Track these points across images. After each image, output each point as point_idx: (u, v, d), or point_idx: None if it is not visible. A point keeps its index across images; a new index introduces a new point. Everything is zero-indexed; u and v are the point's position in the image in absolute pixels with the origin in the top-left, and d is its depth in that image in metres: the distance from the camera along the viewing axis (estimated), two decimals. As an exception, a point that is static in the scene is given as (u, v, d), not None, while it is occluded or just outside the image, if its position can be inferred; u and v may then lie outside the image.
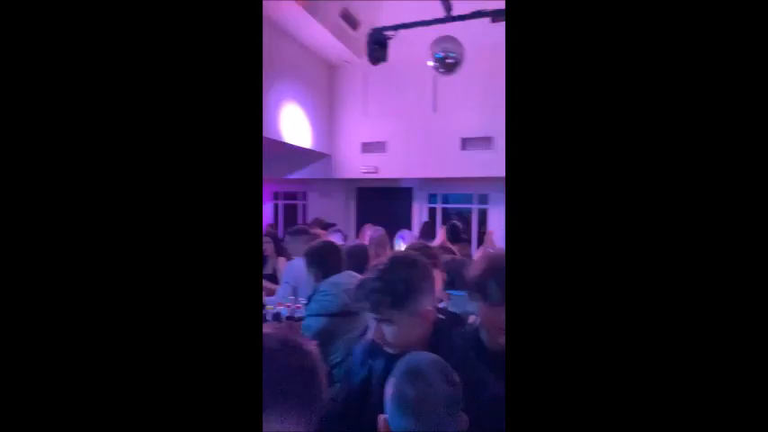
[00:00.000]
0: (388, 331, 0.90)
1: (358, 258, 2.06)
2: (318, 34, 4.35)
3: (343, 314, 1.70)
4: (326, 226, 4.12)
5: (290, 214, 6.56)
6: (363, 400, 0.94)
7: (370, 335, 0.97)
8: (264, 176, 6.28)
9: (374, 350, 0.97)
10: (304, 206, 6.45)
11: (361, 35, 3.74)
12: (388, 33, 3.37)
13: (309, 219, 5.70)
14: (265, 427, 0.49)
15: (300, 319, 2.06)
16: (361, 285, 0.94)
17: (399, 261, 0.96)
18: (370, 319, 0.94)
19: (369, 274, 0.95)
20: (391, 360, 0.85)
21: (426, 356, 0.77)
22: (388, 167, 5.42)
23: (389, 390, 0.73)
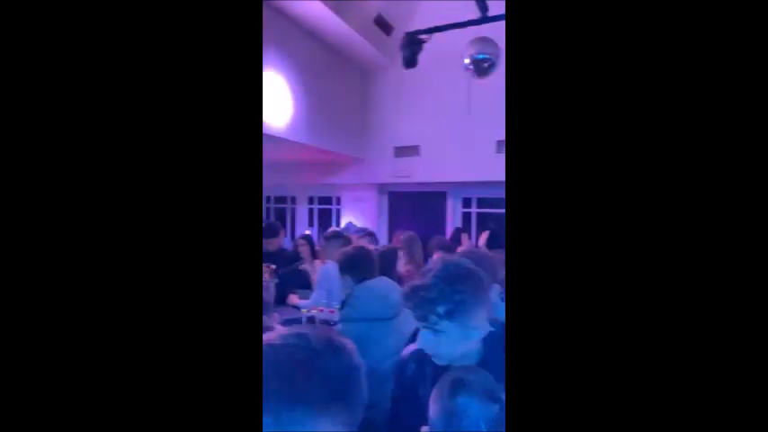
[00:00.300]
0: (438, 341, 0.87)
1: (387, 261, 2.04)
2: (351, 39, 4.40)
3: (379, 320, 1.68)
4: (359, 231, 4.13)
5: (325, 219, 6.65)
6: (407, 409, 0.91)
7: (418, 344, 0.94)
8: (298, 181, 6.42)
9: (421, 359, 0.94)
10: (338, 211, 6.52)
11: (395, 39, 3.74)
12: (423, 37, 3.35)
13: (342, 223, 5.75)
14: (318, 426, 0.46)
15: (335, 323, 2.06)
16: (413, 292, 0.90)
17: (454, 270, 0.91)
18: (420, 327, 0.91)
19: (421, 281, 0.91)
20: (438, 370, 0.82)
21: (473, 371, 0.73)
22: (421, 171, 5.38)
23: (433, 401, 0.71)
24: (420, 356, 0.94)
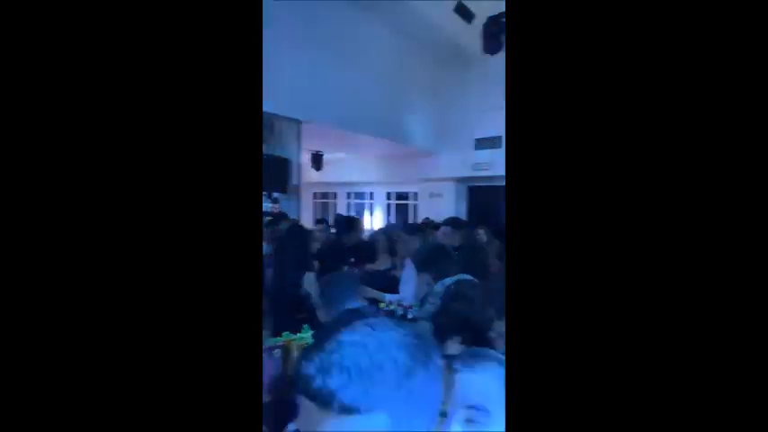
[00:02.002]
0: None
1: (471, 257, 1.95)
2: (432, 28, 4.30)
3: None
4: (437, 226, 4.05)
5: (402, 214, 6.67)
6: None
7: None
8: (373, 179, 6.53)
9: None
10: (414, 206, 6.50)
11: (477, 26, 3.58)
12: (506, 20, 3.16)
13: (420, 219, 5.70)
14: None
15: (414, 319, 2.03)
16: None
17: None
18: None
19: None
20: None
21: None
22: (503, 163, 5.12)
23: None
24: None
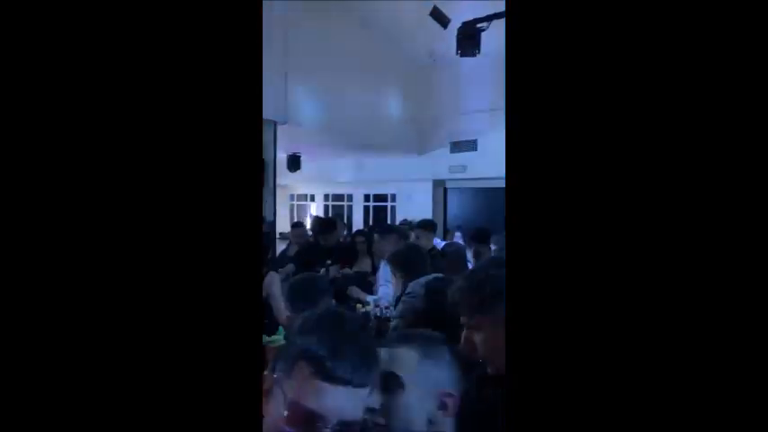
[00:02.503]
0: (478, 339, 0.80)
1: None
2: (408, 33, 4.35)
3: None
4: (413, 227, 4.09)
5: (380, 216, 6.69)
6: None
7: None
8: (352, 179, 6.54)
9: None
10: (393, 208, 6.53)
11: (453, 30, 3.64)
12: (481, 25, 3.22)
13: (398, 220, 5.73)
14: None
15: (388, 319, 2.04)
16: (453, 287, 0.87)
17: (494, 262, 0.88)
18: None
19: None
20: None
21: None
22: (478, 166, 5.20)
23: None
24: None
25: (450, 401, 0.71)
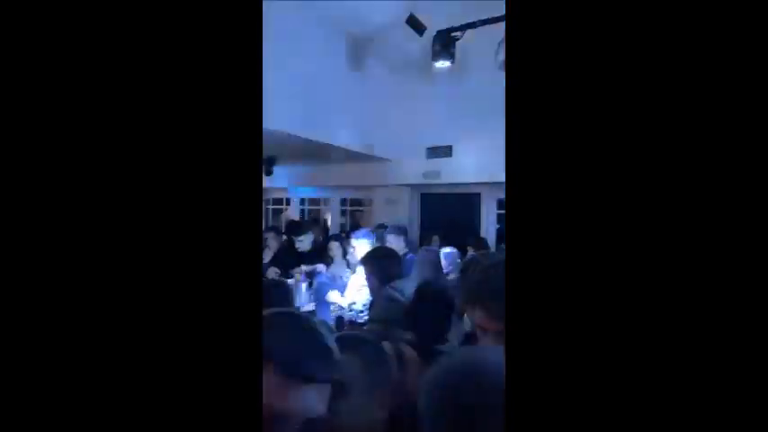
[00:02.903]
0: None
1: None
2: (384, 38, 4.39)
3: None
4: (388, 231, 4.10)
5: (357, 220, 6.68)
6: None
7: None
8: (330, 182, 6.49)
9: None
10: (369, 212, 6.53)
11: (428, 37, 3.70)
12: (456, 34, 3.29)
13: (375, 225, 5.74)
14: None
15: (363, 324, 2.04)
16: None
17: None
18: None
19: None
20: None
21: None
22: (453, 172, 5.28)
23: None
24: None
25: (390, 402, 0.73)
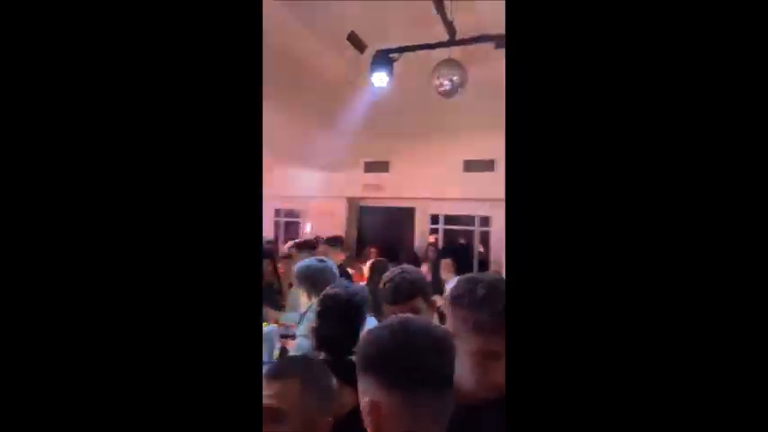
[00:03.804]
0: None
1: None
2: (323, 55, 4.43)
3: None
4: (325, 243, 4.09)
5: (292, 231, 6.55)
6: None
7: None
8: (266, 193, 6.33)
9: None
10: (304, 223, 6.44)
11: (368, 57, 3.81)
12: (393, 56, 3.43)
13: (311, 236, 5.67)
14: None
15: (291, 337, 2.01)
16: None
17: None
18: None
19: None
20: None
21: None
22: (391, 186, 5.42)
23: None
24: None
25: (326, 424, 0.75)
